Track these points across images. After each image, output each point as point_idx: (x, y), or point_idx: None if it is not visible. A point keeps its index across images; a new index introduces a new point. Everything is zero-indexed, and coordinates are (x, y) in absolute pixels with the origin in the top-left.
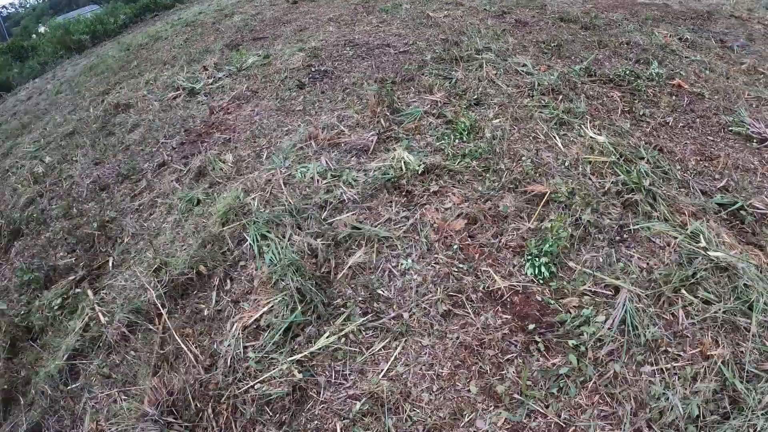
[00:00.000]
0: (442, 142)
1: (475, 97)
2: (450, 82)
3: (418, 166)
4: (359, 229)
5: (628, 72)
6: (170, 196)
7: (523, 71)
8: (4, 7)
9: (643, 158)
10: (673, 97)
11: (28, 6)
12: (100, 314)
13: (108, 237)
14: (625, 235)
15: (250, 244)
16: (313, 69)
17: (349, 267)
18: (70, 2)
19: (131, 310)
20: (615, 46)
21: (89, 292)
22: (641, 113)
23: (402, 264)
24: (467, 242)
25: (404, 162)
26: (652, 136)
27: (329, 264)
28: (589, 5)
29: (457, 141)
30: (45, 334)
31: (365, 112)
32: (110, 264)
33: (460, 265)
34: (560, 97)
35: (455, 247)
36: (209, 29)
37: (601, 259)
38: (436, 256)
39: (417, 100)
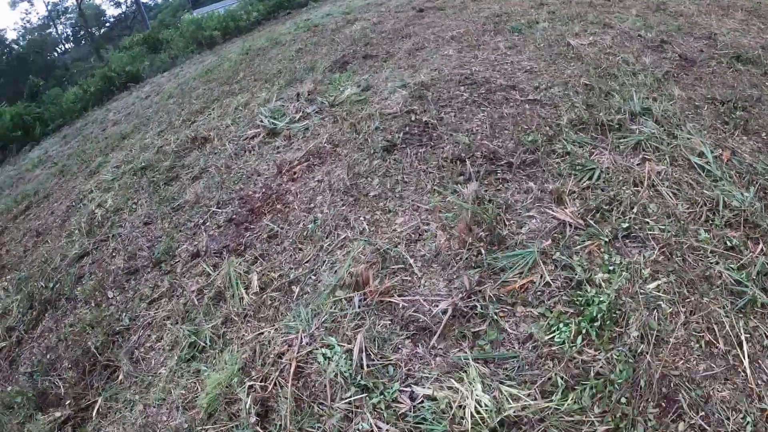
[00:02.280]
0: (555, 336)
1: (626, 225)
2: (590, 178)
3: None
4: None
5: None
6: (179, 324)
7: (698, 164)
8: None
9: None
10: None
11: None
12: None
13: (105, 366)
14: None
15: None
16: (412, 118)
17: None
18: None
19: None
20: None
21: None
22: None
23: None
24: None
25: (471, 414)
26: None
27: None
28: (767, 35)
29: (581, 340)
30: None
31: (453, 230)
32: (96, 410)
33: None
34: (758, 240)
35: None
36: (326, 38)
37: None
38: None
39: (535, 214)
